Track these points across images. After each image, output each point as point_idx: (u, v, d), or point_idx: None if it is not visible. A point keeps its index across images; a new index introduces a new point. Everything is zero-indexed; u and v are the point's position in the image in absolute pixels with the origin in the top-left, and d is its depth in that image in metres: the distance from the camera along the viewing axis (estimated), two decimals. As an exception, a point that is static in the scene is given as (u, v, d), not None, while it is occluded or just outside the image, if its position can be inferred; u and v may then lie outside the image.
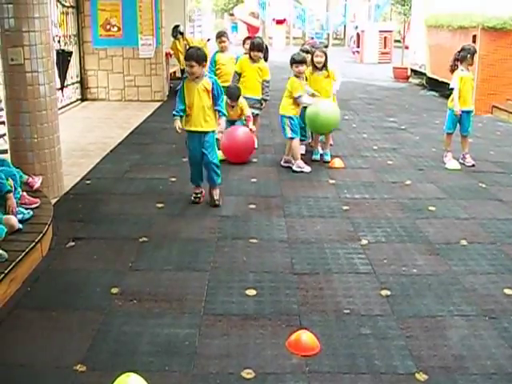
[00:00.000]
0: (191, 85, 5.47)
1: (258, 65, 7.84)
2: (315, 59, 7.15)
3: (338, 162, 7.23)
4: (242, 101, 7.56)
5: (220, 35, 8.63)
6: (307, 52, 7.66)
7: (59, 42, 10.49)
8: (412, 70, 16.45)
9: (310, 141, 7.96)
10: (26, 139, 5.44)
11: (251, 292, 3.96)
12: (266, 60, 8.12)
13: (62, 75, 10.48)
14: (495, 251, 4.73)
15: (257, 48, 7.81)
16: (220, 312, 3.70)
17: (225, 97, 7.67)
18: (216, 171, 5.66)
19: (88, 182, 6.41)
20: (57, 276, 4.19)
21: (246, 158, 7.35)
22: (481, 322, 3.65)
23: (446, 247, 4.79)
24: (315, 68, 7.19)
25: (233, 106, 7.52)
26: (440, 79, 13.75)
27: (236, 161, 7.21)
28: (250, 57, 7.83)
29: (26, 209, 4.75)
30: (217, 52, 8.54)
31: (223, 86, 8.42)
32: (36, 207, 4.93)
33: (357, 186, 6.43)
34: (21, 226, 4.44)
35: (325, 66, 7.19)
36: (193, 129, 5.52)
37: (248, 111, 7.53)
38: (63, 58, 10.45)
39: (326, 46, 8.46)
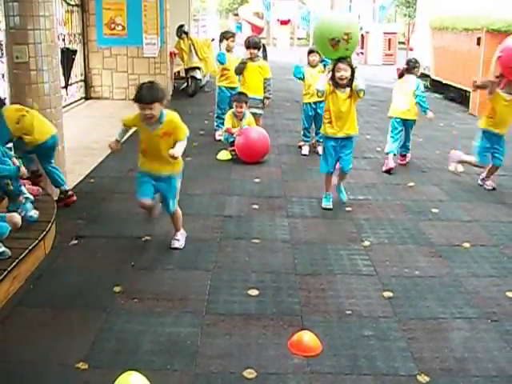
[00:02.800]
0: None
1: (258, 64, 7.84)
2: (337, 74, 5.31)
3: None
4: (248, 116, 7.59)
5: (233, 35, 8.68)
6: (311, 51, 7.66)
7: (64, 40, 10.50)
8: (416, 72, 16.42)
9: (314, 141, 7.96)
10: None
11: (253, 292, 3.97)
12: (265, 59, 8.12)
13: (67, 73, 10.49)
14: (498, 254, 4.73)
15: (253, 46, 7.80)
16: (222, 312, 3.71)
17: (230, 111, 7.68)
18: None
19: (91, 180, 6.42)
20: (59, 274, 4.20)
21: (260, 158, 7.36)
22: (483, 324, 3.64)
23: (449, 249, 4.79)
24: (336, 84, 5.40)
25: (239, 118, 7.50)
26: (444, 81, 13.73)
27: (249, 160, 7.23)
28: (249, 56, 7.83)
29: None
30: (224, 52, 8.46)
31: (230, 88, 8.36)
32: (36, 197, 4.93)
33: (360, 187, 6.43)
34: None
35: (350, 82, 5.36)
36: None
37: (254, 125, 7.61)
38: (68, 57, 10.45)
39: None
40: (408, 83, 7.25)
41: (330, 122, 5.51)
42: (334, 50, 5.18)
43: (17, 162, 4.70)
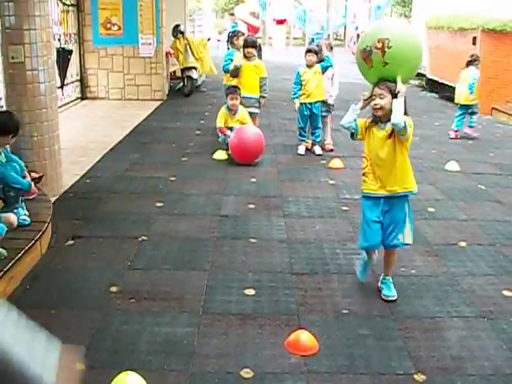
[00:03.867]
0: None
1: (254, 63, 7.82)
2: (372, 102, 3.72)
3: (337, 163, 7.23)
4: (242, 110, 7.55)
5: (243, 34, 8.70)
6: (309, 50, 7.63)
7: (59, 40, 10.48)
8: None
9: (310, 141, 7.96)
10: (25, 137, 5.43)
11: (250, 292, 3.97)
12: (259, 58, 8.10)
13: (62, 73, 10.47)
14: (494, 253, 4.74)
15: (250, 44, 7.79)
16: (219, 311, 3.70)
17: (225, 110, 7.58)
18: None
19: (88, 180, 6.41)
20: (56, 274, 4.19)
21: (254, 159, 7.30)
22: (479, 323, 3.65)
23: (445, 248, 4.80)
24: (375, 118, 3.79)
25: (233, 112, 7.47)
26: (440, 80, 13.76)
27: (243, 161, 7.19)
28: (245, 55, 7.81)
29: (26, 199, 4.74)
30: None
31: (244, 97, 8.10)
32: (33, 198, 4.92)
33: (356, 186, 6.41)
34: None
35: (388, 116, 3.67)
36: None
37: (249, 121, 7.53)
38: (63, 57, 10.44)
39: (332, 48, 8.21)
40: (469, 74, 8.96)
41: (366, 174, 3.86)
42: (369, 67, 3.65)
43: (29, 177, 4.74)
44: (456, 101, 9.34)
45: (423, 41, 14.60)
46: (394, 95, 3.60)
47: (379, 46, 3.54)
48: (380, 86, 3.66)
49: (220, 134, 7.60)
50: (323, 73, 7.67)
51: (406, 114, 3.64)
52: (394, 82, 3.62)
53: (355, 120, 3.80)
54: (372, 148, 3.79)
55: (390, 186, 3.77)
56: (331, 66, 7.67)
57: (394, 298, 3.89)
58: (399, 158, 3.73)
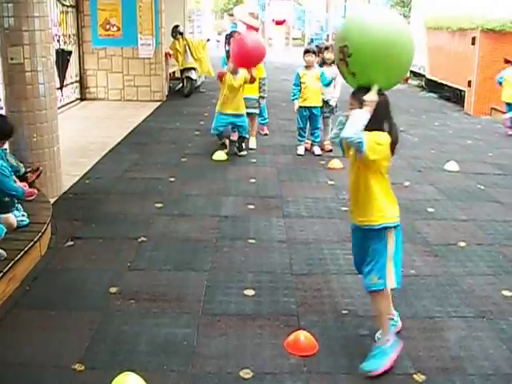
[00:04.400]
0: None
1: None
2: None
3: (336, 163, 7.24)
4: (242, 70, 7.34)
5: (239, 33, 8.64)
6: (307, 51, 7.62)
7: (59, 41, 10.49)
8: (411, 72, 16.47)
9: (309, 142, 7.95)
10: (25, 138, 5.44)
11: (250, 292, 3.97)
12: None
13: (62, 75, 10.48)
14: (493, 253, 4.74)
15: None
16: (218, 312, 3.71)
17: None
18: None
19: (87, 181, 6.41)
20: (55, 275, 4.19)
21: (256, 63, 7.19)
22: (478, 323, 3.65)
23: (445, 248, 4.80)
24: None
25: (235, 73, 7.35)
26: (439, 81, 13.77)
27: (245, 66, 7.14)
28: None
29: (26, 200, 4.74)
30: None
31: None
32: (33, 199, 4.92)
33: (355, 186, 6.43)
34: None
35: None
36: None
37: (247, 76, 7.34)
38: (63, 58, 10.45)
39: (327, 48, 8.18)
40: None
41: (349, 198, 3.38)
42: (345, 79, 3.21)
43: (19, 182, 4.74)
44: (503, 98, 10.13)
45: (422, 41, 14.58)
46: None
47: (341, 56, 3.02)
48: (352, 95, 3.12)
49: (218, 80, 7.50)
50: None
51: (381, 129, 3.04)
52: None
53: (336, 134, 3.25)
54: (349, 170, 3.26)
55: (359, 215, 3.21)
56: (328, 83, 7.59)
57: (375, 373, 3.08)
58: (363, 184, 3.12)
